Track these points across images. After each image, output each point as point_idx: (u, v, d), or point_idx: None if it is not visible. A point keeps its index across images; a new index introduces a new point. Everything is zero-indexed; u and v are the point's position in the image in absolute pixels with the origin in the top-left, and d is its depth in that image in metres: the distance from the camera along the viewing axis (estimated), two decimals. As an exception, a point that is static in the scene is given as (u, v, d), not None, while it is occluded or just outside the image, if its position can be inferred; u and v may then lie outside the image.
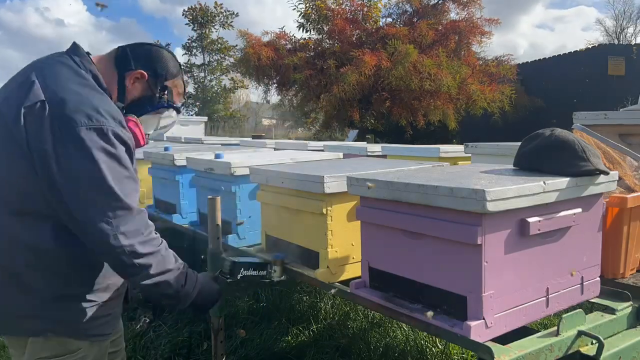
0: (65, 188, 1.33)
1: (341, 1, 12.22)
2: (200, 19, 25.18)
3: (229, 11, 25.55)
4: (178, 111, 1.72)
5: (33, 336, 1.42)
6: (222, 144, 4.93)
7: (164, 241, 1.51)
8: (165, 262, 1.48)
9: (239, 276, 1.92)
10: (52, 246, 1.39)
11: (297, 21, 12.34)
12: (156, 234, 1.49)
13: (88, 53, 1.55)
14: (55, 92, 1.36)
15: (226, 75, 25.39)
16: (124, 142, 1.40)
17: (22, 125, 1.32)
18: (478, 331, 1.37)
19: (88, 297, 1.47)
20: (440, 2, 12.37)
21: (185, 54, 25.71)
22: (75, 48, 1.54)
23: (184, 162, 3.01)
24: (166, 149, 3.43)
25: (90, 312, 1.47)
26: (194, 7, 24.98)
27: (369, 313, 3.32)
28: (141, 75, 1.57)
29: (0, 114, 1.38)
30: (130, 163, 1.42)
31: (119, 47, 1.60)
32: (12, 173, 1.37)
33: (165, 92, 1.63)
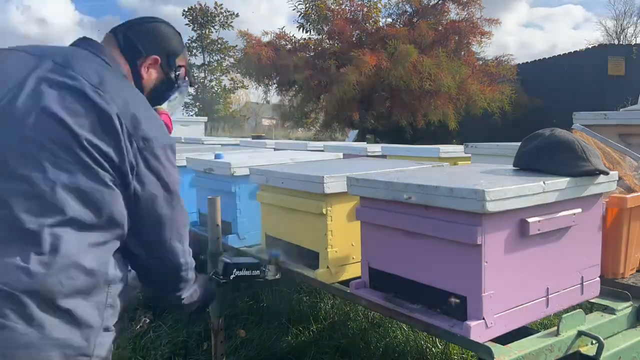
0: (146, 205, 1.24)
1: (341, 1, 12.22)
2: (200, 19, 25.20)
3: (229, 11, 25.59)
4: (192, 85, 1.63)
5: None
6: (222, 144, 4.93)
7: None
8: (194, 274, 1.49)
9: (232, 277, 1.93)
10: (114, 276, 1.22)
11: (297, 21, 12.35)
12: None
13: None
14: (126, 107, 1.20)
15: (226, 76, 25.42)
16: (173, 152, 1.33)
17: (95, 135, 1.15)
18: (478, 331, 1.37)
19: (113, 329, 1.28)
20: (440, 2, 12.36)
21: (185, 54, 25.70)
22: (96, 46, 1.34)
23: (183, 163, 3.00)
24: None
25: (109, 344, 1.26)
26: (194, 7, 25.01)
27: (369, 313, 3.32)
28: (154, 61, 1.43)
29: (54, 117, 1.13)
30: None
31: (115, 31, 1.42)
32: (84, 183, 1.14)
33: (179, 71, 1.50)
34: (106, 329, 1.21)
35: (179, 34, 1.53)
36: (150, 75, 1.44)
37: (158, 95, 1.49)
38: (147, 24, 1.46)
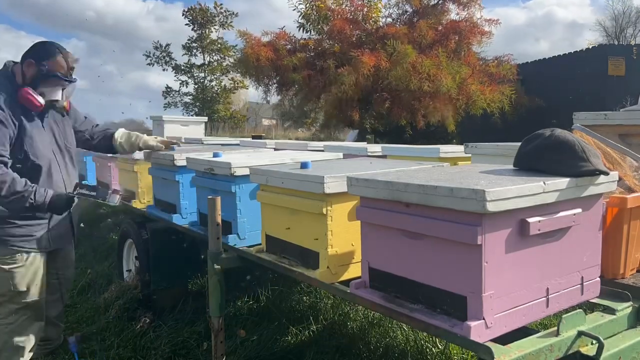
0: None
1: (341, 1, 12.21)
2: (200, 19, 25.17)
3: (228, 11, 25.55)
4: (63, 79, 2.61)
5: None
6: (222, 144, 4.93)
7: (12, 174, 2.41)
8: (15, 185, 2.39)
9: (75, 192, 2.66)
10: None
11: (297, 21, 12.33)
12: (6, 170, 2.40)
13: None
14: None
15: (226, 76, 25.39)
16: None
17: None
18: (478, 331, 1.37)
19: (16, 221, 2.49)
20: (440, 2, 12.35)
21: (186, 54, 25.69)
22: (4, 66, 2.63)
23: (184, 162, 3.01)
24: (171, 148, 3.44)
25: (16, 231, 2.50)
26: (193, 7, 24.99)
27: (369, 313, 3.32)
28: (29, 63, 2.55)
29: None
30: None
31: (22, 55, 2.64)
32: None
33: (46, 67, 2.55)
34: None
35: (52, 47, 2.61)
36: (29, 70, 2.54)
37: (34, 82, 2.55)
38: (33, 46, 2.62)
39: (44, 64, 2.53)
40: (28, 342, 2.62)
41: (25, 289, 2.55)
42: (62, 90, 2.62)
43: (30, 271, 2.56)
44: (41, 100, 2.53)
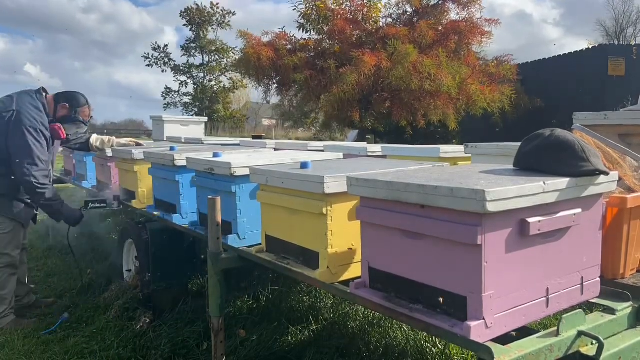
0: (14, 150, 3.33)
1: (341, 1, 12.20)
2: (197, 19, 25.18)
3: (225, 10, 25.53)
4: (85, 124, 3.79)
5: None
6: (222, 144, 4.93)
7: (53, 186, 3.50)
8: (52, 194, 3.47)
9: (89, 207, 3.74)
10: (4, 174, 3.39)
11: (297, 22, 12.33)
12: (49, 182, 3.46)
13: (47, 91, 3.64)
14: (19, 108, 3.39)
15: (225, 76, 25.40)
16: (43, 134, 3.44)
17: (5, 121, 3.35)
18: (478, 331, 1.37)
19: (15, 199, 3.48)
20: (440, 2, 12.35)
21: (184, 54, 25.71)
22: (40, 89, 3.59)
23: (184, 163, 3.01)
24: (172, 148, 3.45)
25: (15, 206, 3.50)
26: (190, 7, 25.02)
27: (369, 313, 3.32)
28: (63, 106, 3.63)
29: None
30: (44, 144, 3.44)
31: (57, 94, 3.65)
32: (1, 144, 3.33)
33: (77, 114, 3.67)
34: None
35: (84, 98, 3.70)
36: (61, 111, 3.62)
37: (64, 120, 3.63)
38: (69, 93, 3.67)
39: (77, 110, 3.65)
40: (9, 294, 3.53)
41: (9, 250, 3.48)
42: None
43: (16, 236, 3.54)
44: (65, 134, 3.64)
